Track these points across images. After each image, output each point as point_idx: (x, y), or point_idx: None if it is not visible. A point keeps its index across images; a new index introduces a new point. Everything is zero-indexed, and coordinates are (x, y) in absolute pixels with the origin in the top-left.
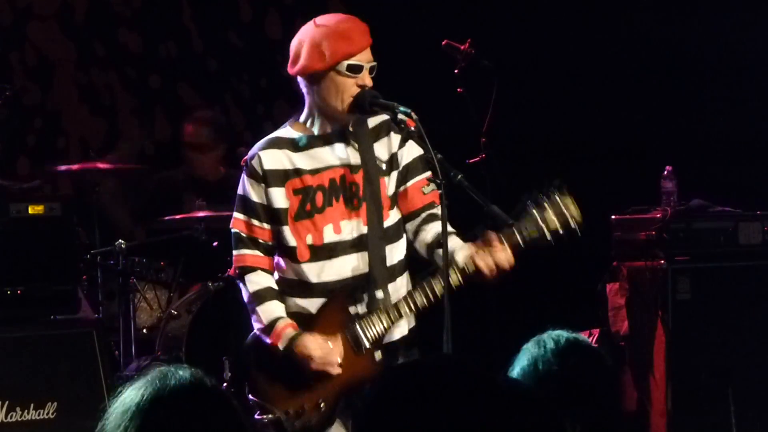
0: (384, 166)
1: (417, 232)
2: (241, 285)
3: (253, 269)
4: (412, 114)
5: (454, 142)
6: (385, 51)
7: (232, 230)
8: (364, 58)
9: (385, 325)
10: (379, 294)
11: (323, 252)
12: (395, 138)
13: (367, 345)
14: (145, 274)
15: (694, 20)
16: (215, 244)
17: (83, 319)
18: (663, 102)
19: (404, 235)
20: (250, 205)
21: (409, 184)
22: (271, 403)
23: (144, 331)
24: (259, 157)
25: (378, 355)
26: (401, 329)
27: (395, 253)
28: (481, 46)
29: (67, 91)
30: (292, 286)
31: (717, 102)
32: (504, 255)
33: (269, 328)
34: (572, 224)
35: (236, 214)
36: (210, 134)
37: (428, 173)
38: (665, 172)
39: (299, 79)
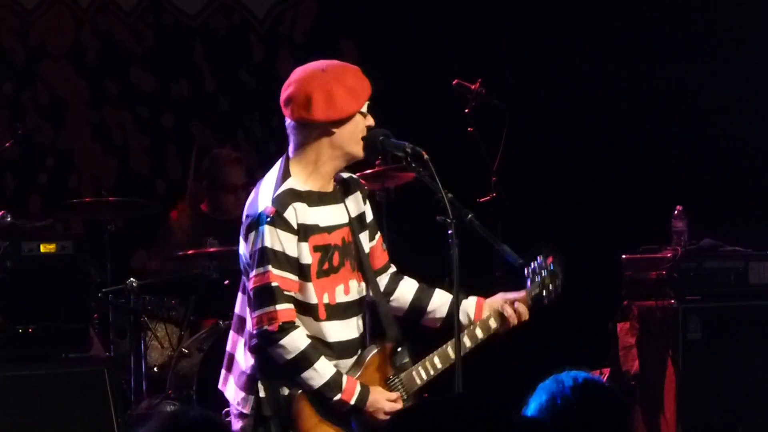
0: (358, 223)
1: (390, 292)
2: (283, 341)
3: (297, 326)
4: (423, 153)
5: (464, 181)
6: (396, 90)
7: (272, 284)
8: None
9: (420, 381)
10: (401, 350)
11: (336, 312)
12: (360, 196)
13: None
14: (157, 312)
15: (705, 62)
16: (227, 282)
17: (94, 357)
18: (674, 141)
19: None
20: (283, 258)
21: (372, 243)
22: None
23: (155, 369)
24: (294, 209)
25: None
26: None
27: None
28: (492, 86)
29: (80, 130)
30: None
31: (727, 142)
32: (526, 308)
33: (335, 383)
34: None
35: (272, 269)
36: (245, 174)
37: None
38: (676, 212)
39: (299, 124)
